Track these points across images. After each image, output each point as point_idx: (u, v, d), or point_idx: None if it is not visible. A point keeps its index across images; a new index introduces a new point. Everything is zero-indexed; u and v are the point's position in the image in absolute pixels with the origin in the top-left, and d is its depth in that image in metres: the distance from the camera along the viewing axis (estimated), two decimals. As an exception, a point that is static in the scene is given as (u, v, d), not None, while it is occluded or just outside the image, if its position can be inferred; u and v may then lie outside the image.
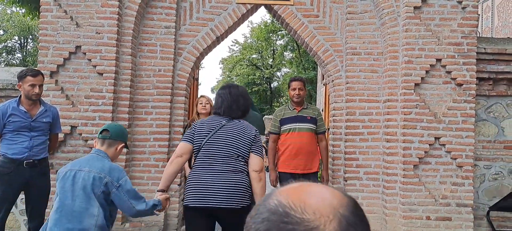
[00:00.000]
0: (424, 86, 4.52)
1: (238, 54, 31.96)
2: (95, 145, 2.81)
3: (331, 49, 5.01)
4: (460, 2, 4.53)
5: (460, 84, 4.49)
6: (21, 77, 3.76)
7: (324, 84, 5.85)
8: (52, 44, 4.56)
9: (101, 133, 2.80)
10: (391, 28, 4.67)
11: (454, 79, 4.49)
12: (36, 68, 4.03)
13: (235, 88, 3.13)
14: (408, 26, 4.53)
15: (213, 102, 4.10)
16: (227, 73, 33.81)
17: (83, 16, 4.61)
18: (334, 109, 5.08)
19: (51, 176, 4.06)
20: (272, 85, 32.36)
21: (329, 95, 5.38)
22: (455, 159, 4.46)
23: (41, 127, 3.87)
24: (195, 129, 3.00)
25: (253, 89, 30.41)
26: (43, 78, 3.89)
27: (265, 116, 23.41)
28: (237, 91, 3.08)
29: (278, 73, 32.15)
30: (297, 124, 4.49)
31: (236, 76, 32.22)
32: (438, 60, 4.50)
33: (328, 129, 5.47)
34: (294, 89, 4.56)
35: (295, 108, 4.59)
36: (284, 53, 30.53)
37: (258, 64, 31.71)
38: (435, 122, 4.45)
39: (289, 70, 30.32)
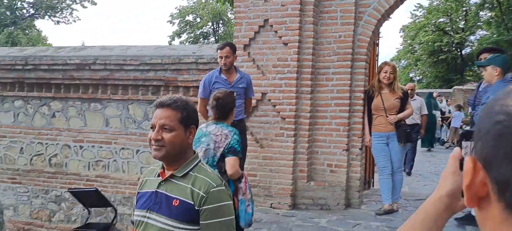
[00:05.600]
0: None
1: (422, 19, 29.51)
2: None
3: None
4: None
5: None
6: (216, 51, 4.47)
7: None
8: (245, 20, 5.20)
9: None
10: None
11: None
12: (227, 42, 4.70)
13: None
14: None
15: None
16: (408, 41, 31.72)
17: (270, -9, 5.10)
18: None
19: (247, 137, 4.70)
20: (463, 52, 28.96)
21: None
22: None
23: (238, 92, 4.50)
24: None
25: (440, 57, 27.80)
26: (232, 49, 4.44)
27: (454, 87, 21.17)
28: None
29: (472, 38, 28.50)
30: None
31: (419, 44, 29.95)
32: None
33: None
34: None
35: None
36: (480, 13, 26.78)
37: (446, 28, 28.71)
38: None
39: (486, 33, 26.56)
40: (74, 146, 6.36)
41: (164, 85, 5.86)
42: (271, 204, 4.97)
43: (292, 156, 4.96)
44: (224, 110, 3.35)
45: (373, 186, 6.26)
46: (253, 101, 4.95)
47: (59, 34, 62.67)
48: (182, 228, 1.64)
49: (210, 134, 3.21)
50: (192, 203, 1.64)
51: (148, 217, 1.70)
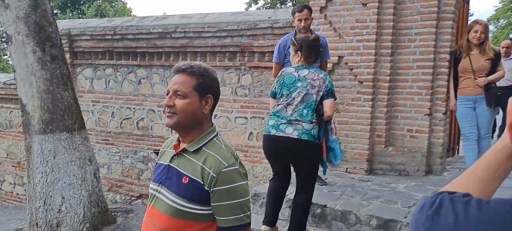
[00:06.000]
0: None
1: (527, -29, 26.40)
2: None
3: None
4: None
5: None
6: (292, 14, 4.49)
7: None
8: (321, -19, 5.14)
9: None
10: None
11: None
12: (305, 4, 4.69)
13: None
14: None
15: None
16: (510, -2, 28.68)
17: (347, -51, 4.96)
18: None
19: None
20: None
21: None
22: None
23: (313, 56, 4.53)
24: None
25: (548, 15, 24.84)
26: (309, 11, 4.45)
27: None
28: None
29: None
30: None
31: (523, 1, 26.95)
32: None
33: None
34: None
35: None
36: None
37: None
38: None
39: None
40: (158, 111, 6.88)
41: (240, 51, 6.05)
42: (346, 168, 5.00)
43: (369, 120, 4.91)
44: (319, 53, 3.43)
45: (458, 153, 5.98)
46: (329, 65, 4.94)
47: (141, 5, 66.15)
48: (189, 208, 1.52)
49: (306, 78, 3.23)
50: (202, 182, 1.51)
51: (159, 192, 1.60)
